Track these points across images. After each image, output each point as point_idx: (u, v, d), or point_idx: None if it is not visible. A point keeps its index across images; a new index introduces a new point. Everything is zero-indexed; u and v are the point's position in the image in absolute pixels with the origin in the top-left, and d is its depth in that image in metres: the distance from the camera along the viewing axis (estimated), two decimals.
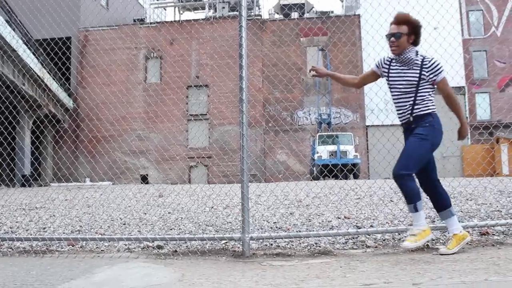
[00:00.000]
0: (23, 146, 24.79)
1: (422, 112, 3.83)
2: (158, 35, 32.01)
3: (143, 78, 33.16)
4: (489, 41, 32.31)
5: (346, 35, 32.15)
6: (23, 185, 23.42)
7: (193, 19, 34.85)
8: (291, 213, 6.54)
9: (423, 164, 3.89)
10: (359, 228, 5.08)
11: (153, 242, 4.72)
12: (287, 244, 4.59)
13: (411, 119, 3.86)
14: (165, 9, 40.70)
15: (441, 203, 4.05)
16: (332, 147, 23.44)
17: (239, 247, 4.39)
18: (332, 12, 36.26)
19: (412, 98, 3.82)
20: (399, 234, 4.75)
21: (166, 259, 4.17)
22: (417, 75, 3.81)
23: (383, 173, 23.93)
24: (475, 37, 32.36)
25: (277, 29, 32.76)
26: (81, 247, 4.81)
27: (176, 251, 4.46)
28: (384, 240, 4.59)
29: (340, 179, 20.82)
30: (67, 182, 22.94)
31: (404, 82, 3.86)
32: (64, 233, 5.62)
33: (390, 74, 3.98)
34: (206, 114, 32.39)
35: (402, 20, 3.88)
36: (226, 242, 4.65)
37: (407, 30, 3.84)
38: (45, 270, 3.81)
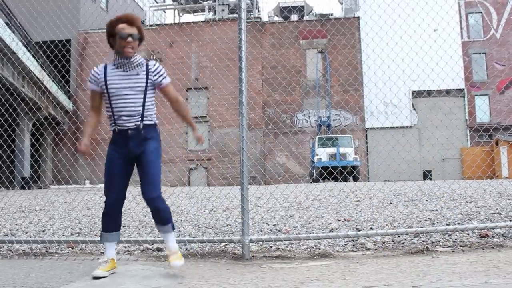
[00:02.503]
0: (22, 148, 24.78)
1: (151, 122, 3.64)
2: (158, 37, 32.03)
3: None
4: (488, 44, 32.37)
5: (346, 37, 32.21)
6: (22, 187, 23.42)
7: (192, 22, 34.88)
8: (290, 216, 6.54)
9: None
10: (359, 231, 5.08)
11: (152, 244, 4.71)
12: (286, 247, 4.58)
13: (141, 126, 3.57)
14: (165, 12, 40.74)
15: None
16: (332, 150, 23.45)
17: (238, 250, 4.39)
18: (332, 14, 36.31)
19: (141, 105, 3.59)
20: (398, 236, 4.75)
21: (165, 261, 4.16)
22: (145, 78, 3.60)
23: (382, 176, 24.00)
24: (474, 39, 32.42)
25: (276, 31, 32.80)
26: (80, 249, 4.80)
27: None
28: (383, 242, 4.59)
29: (340, 181, 20.81)
30: (66, 184, 22.92)
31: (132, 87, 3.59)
32: (63, 235, 5.62)
33: (109, 81, 3.60)
34: (205, 117, 32.41)
35: (135, 23, 3.59)
36: (226, 245, 4.65)
37: (138, 35, 3.59)
38: (44, 273, 3.80)
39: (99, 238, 4.96)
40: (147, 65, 3.62)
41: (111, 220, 3.66)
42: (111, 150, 3.65)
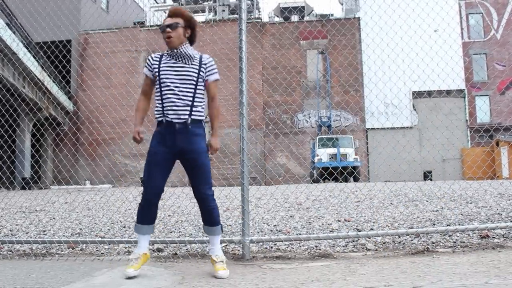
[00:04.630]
0: (23, 148, 24.79)
1: (200, 118, 3.62)
2: (158, 38, 31.97)
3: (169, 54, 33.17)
4: (489, 44, 32.36)
5: (346, 38, 32.22)
6: (23, 188, 23.42)
7: None
8: (291, 216, 6.54)
9: None
10: (359, 231, 5.08)
11: (153, 245, 4.71)
12: (287, 247, 4.58)
13: (189, 121, 3.54)
14: (165, 12, 40.74)
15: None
16: (332, 150, 23.44)
17: (239, 250, 4.39)
18: (332, 15, 36.31)
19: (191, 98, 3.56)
20: (399, 237, 4.75)
21: (166, 262, 4.16)
22: (197, 71, 3.57)
23: (383, 176, 24.00)
24: (475, 40, 32.42)
25: (277, 32, 32.81)
26: (81, 250, 4.80)
27: (176, 254, 4.45)
28: (384, 243, 4.58)
29: (340, 182, 20.82)
30: (67, 185, 22.93)
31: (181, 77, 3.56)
32: (64, 236, 5.62)
33: (162, 69, 3.58)
34: (206, 117, 32.38)
35: (176, 12, 3.60)
36: (226, 245, 4.65)
37: (183, 23, 3.57)
38: (45, 273, 3.80)
39: (99, 239, 4.97)
40: (200, 58, 3.59)
41: (148, 213, 3.61)
42: (156, 142, 3.56)
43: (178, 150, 3.52)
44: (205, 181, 3.55)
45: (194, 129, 3.54)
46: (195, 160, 3.52)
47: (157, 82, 3.57)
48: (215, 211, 3.63)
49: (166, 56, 3.61)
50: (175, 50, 3.55)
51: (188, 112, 3.51)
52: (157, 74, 3.56)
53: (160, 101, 3.55)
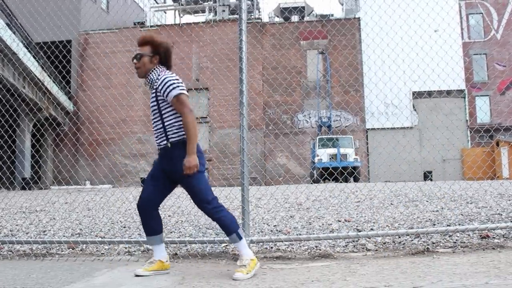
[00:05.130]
0: (23, 149, 24.80)
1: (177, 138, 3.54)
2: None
3: (143, 81, 33.14)
4: (489, 44, 32.36)
5: (346, 38, 32.22)
6: (23, 188, 23.43)
7: (193, 22, 34.89)
8: (291, 216, 6.54)
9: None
10: (360, 231, 5.08)
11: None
12: (287, 247, 4.58)
13: (169, 145, 3.54)
14: (165, 12, 40.78)
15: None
16: (332, 150, 23.43)
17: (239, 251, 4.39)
18: (332, 15, 36.31)
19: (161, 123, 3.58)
20: (399, 237, 4.75)
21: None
22: (154, 96, 3.58)
23: (383, 176, 24.00)
24: (475, 40, 32.42)
25: (277, 32, 32.81)
26: (81, 250, 4.80)
27: (176, 254, 4.46)
28: (384, 243, 4.59)
29: (341, 182, 20.82)
30: (67, 185, 22.92)
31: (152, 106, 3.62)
32: (64, 236, 5.62)
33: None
34: (206, 117, 32.40)
35: (144, 41, 3.62)
36: (226, 245, 4.65)
37: (150, 51, 3.59)
38: (45, 273, 3.80)
39: (99, 239, 4.97)
40: (156, 82, 3.58)
41: (144, 224, 3.69)
42: (156, 159, 3.74)
43: (167, 173, 3.61)
44: (198, 199, 3.56)
45: (175, 151, 3.52)
46: (182, 181, 3.56)
47: None
48: (223, 221, 3.59)
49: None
50: (145, 80, 3.65)
51: (164, 137, 3.57)
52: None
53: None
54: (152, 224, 3.67)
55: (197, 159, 3.44)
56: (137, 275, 3.57)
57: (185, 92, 3.50)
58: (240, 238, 3.59)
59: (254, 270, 3.51)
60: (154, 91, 3.58)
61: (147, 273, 3.59)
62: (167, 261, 3.74)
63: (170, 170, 3.55)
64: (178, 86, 3.47)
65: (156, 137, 3.61)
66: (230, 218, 3.58)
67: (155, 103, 3.57)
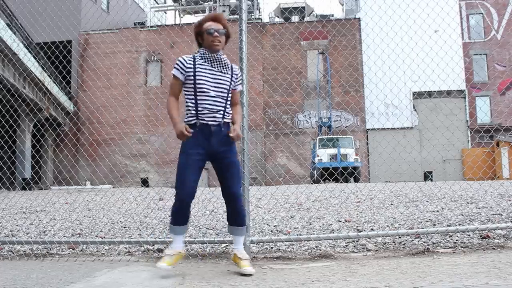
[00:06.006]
0: (23, 149, 24.80)
1: (229, 121, 3.73)
2: (159, 38, 32.06)
3: (144, 81, 33.20)
4: (489, 45, 32.35)
5: (346, 39, 32.21)
6: (23, 188, 23.43)
7: (193, 23, 34.76)
8: (291, 217, 6.54)
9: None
10: (360, 232, 5.08)
11: (153, 245, 4.71)
12: (287, 248, 4.58)
13: (223, 123, 3.65)
14: (166, 13, 40.80)
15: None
16: (333, 150, 23.41)
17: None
18: (332, 15, 36.31)
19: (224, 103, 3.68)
20: (399, 237, 4.75)
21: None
22: (229, 80, 3.72)
23: (383, 177, 23.99)
24: (475, 40, 32.41)
25: (277, 32, 32.81)
26: (81, 250, 4.80)
27: None
28: (384, 243, 4.59)
29: (341, 182, 20.81)
30: (67, 185, 22.93)
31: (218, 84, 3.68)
32: (64, 236, 5.62)
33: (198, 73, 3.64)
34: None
35: (222, 20, 3.73)
36: (227, 246, 4.65)
37: (225, 32, 3.74)
38: (45, 274, 3.80)
39: (100, 239, 4.97)
40: (232, 68, 3.74)
41: (182, 214, 3.64)
42: (189, 145, 3.59)
43: (212, 151, 3.60)
44: (238, 180, 3.68)
45: (227, 130, 3.65)
46: (229, 160, 3.63)
47: (191, 85, 3.62)
48: (244, 212, 3.75)
49: (199, 59, 3.67)
50: (215, 56, 3.67)
51: (221, 116, 3.62)
52: (191, 77, 3.61)
53: (194, 104, 3.61)
54: (187, 212, 3.68)
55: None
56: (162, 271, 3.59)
57: None
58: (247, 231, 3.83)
59: None
60: (230, 73, 3.71)
61: (170, 267, 3.59)
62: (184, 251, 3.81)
63: (219, 149, 3.60)
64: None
65: (211, 112, 3.58)
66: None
67: (228, 83, 3.67)
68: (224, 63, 3.68)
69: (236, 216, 3.72)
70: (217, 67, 3.65)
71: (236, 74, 3.75)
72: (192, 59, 3.65)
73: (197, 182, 3.61)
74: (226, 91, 3.64)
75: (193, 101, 3.59)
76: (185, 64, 3.63)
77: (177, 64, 3.66)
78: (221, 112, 3.61)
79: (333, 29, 31.84)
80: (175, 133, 3.58)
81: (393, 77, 26.68)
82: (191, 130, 3.57)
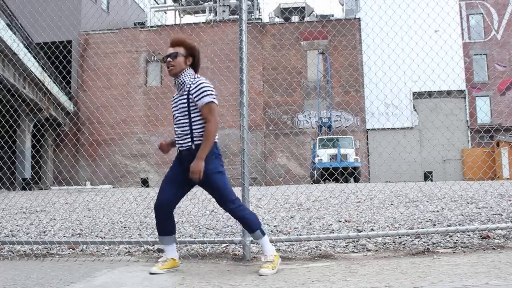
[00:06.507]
0: (23, 149, 24.80)
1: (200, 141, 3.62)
2: (159, 38, 32.05)
3: (144, 82, 33.20)
4: (489, 45, 32.34)
5: (347, 39, 32.20)
6: (23, 189, 23.43)
7: (193, 23, 34.88)
8: (291, 217, 6.54)
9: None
10: (360, 232, 5.08)
11: (153, 245, 4.71)
12: (287, 248, 4.59)
13: (193, 147, 3.61)
14: (166, 13, 40.79)
15: None
16: (333, 151, 23.41)
17: (239, 251, 4.39)
18: (333, 15, 36.30)
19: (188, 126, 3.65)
20: (399, 237, 4.75)
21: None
22: (186, 100, 3.65)
23: (383, 177, 24.00)
24: (475, 40, 32.40)
25: (277, 32, 32.81)
26: (81, 250, 4.80)
27: None
28: (384, 243, 4.59)
29: (341, 182, 20.81)
30: (67, 186, 22.94)
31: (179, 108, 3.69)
32: (64, 236, 5.62)
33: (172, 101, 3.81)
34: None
35: (178, 42, 3.70)
36: (227, 246, 4.65)
37: (184, 52, 3.69)
38: (45, 274, 3.80)
39: (100, 239, 4.97)
40: (189, 85, 3.66)
41: (161, 225, 3.72)
42: (174, 161, 3.77)
43: (187, 174, 3.60)
44: (222, 199, 3.67)
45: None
46: (205, 182, 3.62)
47: None
48: (246, 220, 3.70)
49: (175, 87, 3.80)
50: (176, 79, 3.70)
51: (189, 140, 3.62)
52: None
53: (175, 132, 3.77)
54: (167, 225, 3.73)
55: (204, 165, 3.51)
56: (151, 273, 3.64)
57: (216, 101, 3.62)
58: (264, 234, 3.72)
59: (278, 266, 3.66)
60: (186, 93, 3.64)
61: (162, 271, 3.67)
62: (178, 259, 3.85)
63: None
64: (211, 94, 3.60)
65: (180, 137, 3.67)
66: (253, 215, 3.75)
67: (185, 104, 3.63)
68: (181, 84, 3.67)
69: (242, 225, 3.80)
70: (178, 90, 3.71)
71: (190, 90, 3.61)
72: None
73: (172, 194, 3.67)
74: (185, 112, 3.62)
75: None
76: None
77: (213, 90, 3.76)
78: (188, 137, 3.62)
79: (333, 29, 31.84)
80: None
81: (393, 77, 26.66)
82: (164, 143, 3.88)
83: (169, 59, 3.65)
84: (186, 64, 3.69)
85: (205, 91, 3.58)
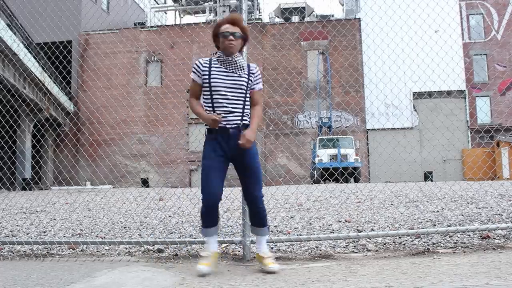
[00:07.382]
0: (23, 149, 24.80)
1: (248, 123, 3.74)
2: (159, 38, 32.06)
3: (144, 82, 33.20)
4: (489, 45, 32.35)
5: (347, 39, 32.21)
6: (23, 189, 23.43)
7: (193, 23, 34.89)
8: (291, 217, 6.54)
9: None
10: (360, 232, 5.07)
11: (153, 245, 4.71)
12: (287, 248, 4.58)
13: (241, 125, 3.66)
14: (166, 13, 40.78)
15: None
16: (333, 151, 23.41)
17: (239, 251, 4.39)
18: (333, 16, 36.30)
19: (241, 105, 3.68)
20: (400, 237, 4.75)
21: (166, 262, 4.16)
22: (246, 81, 3.69)
23: (383, 177, 23.99)
24: (475, 40, 32.40)
25: (277, 32, 32.81)
26: (81, 250, 4.80)
27: (176, 254, 4.45)
28: (384, 243, 4.58)
29: (341, 182, 20.81)
30: (67, 186, 22.94)
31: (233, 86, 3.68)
32: (64, 236, 5.62)
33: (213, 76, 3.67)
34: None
35: (238, 21, 3.72)
36: (227, 246, 4.65)
37: (240, 34, 3.70)
38: (45, 274, 3.80)
39: (100, 239, 4.97)
40: (248, 68, 3.72)
41: (209, 216, 3.70)
42: (210, 148, 3.67)
43: (232, 154, 3.64)
44: (257, 182, 3.70)
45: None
46: (248, 162, 3.67)
47: (207, 88, 3.66)
48: (264, 213, 3.78)
49: (215, 62, 3.70)
50: (230, 58, 3.66)
51: (239, 118, 3.64)
52: (206, 80, 3.65)
53: (211, 108, 3.65)
54: (215, 215, 3.73)
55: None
56: (202, 274, 3.54)
57: None
58: (269, 231, 3.86)
59: None
60: (246, 74, 3.68)
61: (210, 269, 3.63)
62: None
63: (238, 151, 3.62)
64: (262, 81, 3.81)
65: (229, 113, 3.62)
66: (266, 211, 3.82)
67: (245, 85, 3.66)
68: (240, 64, 3.67)
69: (256, 217, 3.79)
70: (232, 69, 3.66)
71: (254, 73, 3.72)
72: (208, 62, 3.70)
73: (221, 184, 3.65)
74: (243, 92, 3.65)
75: (210, 104, 3.64)
76: (201, 67, 3.68)
77: (194, 67, 3.73)
78: (239, 114, 3.64)
79: (333, 30, 31.84)
80: (208, 125, 3.63)
81: (393, 77, 26.65)
82: (221, 113, 3.61)
83: (231, 37, 3.62)
84: (241, 46, 3.75)
85: (260, 78, 3.79)
